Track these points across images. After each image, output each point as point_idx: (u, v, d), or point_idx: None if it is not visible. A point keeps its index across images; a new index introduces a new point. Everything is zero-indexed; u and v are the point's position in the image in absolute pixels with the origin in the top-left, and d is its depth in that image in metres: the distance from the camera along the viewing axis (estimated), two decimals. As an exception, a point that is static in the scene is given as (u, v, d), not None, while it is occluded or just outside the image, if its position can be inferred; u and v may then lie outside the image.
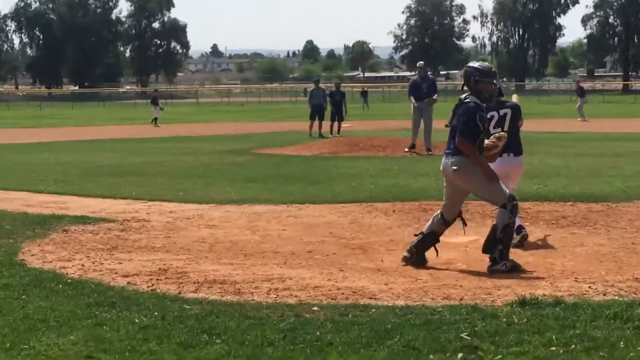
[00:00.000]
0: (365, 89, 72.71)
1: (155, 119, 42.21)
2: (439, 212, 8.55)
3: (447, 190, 8.45)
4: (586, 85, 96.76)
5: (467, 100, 8.23)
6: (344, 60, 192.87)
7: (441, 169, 8.39)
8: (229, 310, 6.29)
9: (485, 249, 8.10)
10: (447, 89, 74.09)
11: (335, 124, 30.61)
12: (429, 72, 24.48)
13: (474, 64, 8.49)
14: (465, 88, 8.39)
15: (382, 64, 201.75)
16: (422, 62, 23.54)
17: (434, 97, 21.86)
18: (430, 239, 8.44)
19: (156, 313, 6.24)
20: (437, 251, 8.47)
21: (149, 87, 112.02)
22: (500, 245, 7.98)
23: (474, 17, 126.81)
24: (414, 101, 22.12)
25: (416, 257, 8.35)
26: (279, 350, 5.39)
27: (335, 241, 9.64)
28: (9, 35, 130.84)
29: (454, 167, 8.14)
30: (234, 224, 10.82)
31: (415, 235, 8.63)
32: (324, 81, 73.45)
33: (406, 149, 21.85)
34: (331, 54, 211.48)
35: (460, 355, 5.27)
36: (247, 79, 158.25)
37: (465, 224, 8.77)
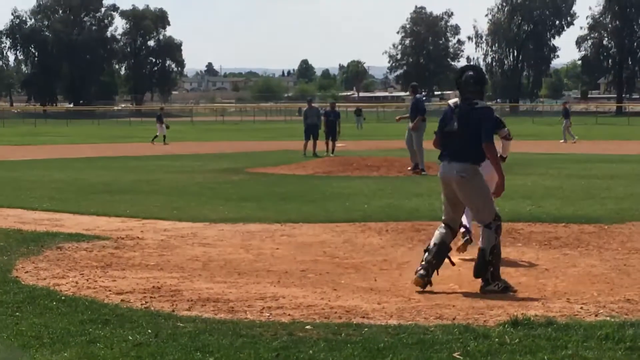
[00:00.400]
0: (360, 107, 72.51)
1: (157, 136, 41.97)
2: (441, 225, 8.34)
3: (447, 197, 8.24)
4: (580, 107, 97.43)
5: (478, 105, 8.00)
6: (338, 79, 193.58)
7: (440, 174, 8.24)
8: (222, 329, 6.30)
9: (477, 273, 8.05)
10: (441, 109, 74.14)
11: (330, 143, 30.67)
12: (419, 92, 24.15)
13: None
14: (456, 90, 8.16)
15: (377, 84, 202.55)
16: (413, 83, 23.81)
17: (411, 123, 21.80)
18: (442, 250, 8.20)
19: (150, 331, 6.25)
20: (452, 261, 8.39)
21: (143, 106, 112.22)
22: (490, 267, 7.98)
23: (469, 38, 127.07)
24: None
25: (432, 273, 8.08)
26: (272, 369, 5.41)
27: (328, 260, 9.66)
28: (4, 52, 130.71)
29: (462, 174, 7.94)
30: (227, 242, 10.84)
31: (425, 250, 8.32)
32: (319, 101, 73.56)
33: (409, 168, 21.83)
34: (326, 73, 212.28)
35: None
36: (242, 98, 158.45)
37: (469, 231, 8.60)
